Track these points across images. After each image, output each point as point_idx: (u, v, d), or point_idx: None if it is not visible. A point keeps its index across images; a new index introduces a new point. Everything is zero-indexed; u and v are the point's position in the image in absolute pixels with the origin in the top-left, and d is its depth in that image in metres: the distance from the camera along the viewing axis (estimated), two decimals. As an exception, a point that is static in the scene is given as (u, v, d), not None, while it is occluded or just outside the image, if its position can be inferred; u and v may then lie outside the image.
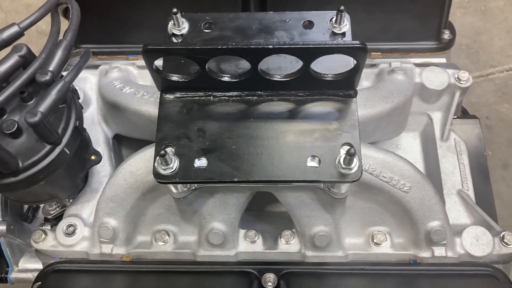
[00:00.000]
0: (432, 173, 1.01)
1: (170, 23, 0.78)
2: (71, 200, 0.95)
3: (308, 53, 0.66)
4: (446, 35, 1.05)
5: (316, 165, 0.70)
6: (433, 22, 1.01)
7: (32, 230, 1.00)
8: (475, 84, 2.07)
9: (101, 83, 0.99)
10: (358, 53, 0.65)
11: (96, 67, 1.04)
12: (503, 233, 0.88)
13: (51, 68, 0.75)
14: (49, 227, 0.96)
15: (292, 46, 0.65)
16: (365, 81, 1.01)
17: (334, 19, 0.76)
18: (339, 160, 0.69)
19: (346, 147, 0.69)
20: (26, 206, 1.08)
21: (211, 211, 0.86)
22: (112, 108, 0.95)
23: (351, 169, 0.68)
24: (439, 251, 0.86)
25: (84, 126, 0.91)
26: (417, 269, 0.85)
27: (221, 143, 0.71)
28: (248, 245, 0.89)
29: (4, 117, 0.76)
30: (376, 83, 0.97)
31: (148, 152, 0.86)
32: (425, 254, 0.87)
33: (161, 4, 0.89)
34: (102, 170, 0.97)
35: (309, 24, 0.77)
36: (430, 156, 1.04)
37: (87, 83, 1.02)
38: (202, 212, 0.86)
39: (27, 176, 0.75)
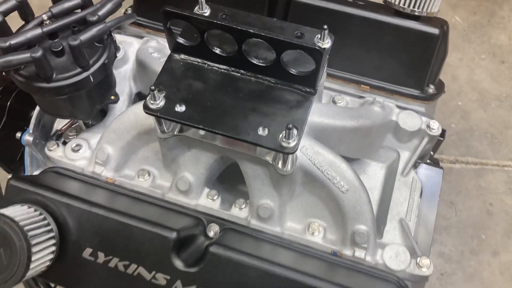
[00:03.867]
0: (385, 199, 1.15)
1: (196, 7, 0.99)
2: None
3: (278, 44, 0.85)
4: (431, 89, 1.20)
5: (265, 134, 0.87)
6: (419, 74, 1.17)
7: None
8: (488, 171, 2.16)
9: (140, 48, 1.23)
10: (315, 54, 0.83)
11: (141, 37, 1.28)
12: (420, 257, 1.00)
13: (100, 13, 0.99)
14: None
15: (267, 35, 0.84)
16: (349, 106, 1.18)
17: (319, 36, 0.95)
18: (282, 135, 0.86)
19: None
20: (52, 131, 1.32)
21: (185, 162, 1.04)
22: (140, 67, 1.18)
23: (289, 143, 0.85)
24: (359, 253, 1.00)
25: (117, 79, 1.14)
26: (335, 259, 0.99)
27: (200, 98, 0.91)
28: (207, 202, 1.06)
29: (56, 40, 1.00)
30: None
31: (152, 102, 1.07)
32: (347, 252, 1.00)
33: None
34: (119, 113, 1.19)
35: (300, 36, 0.95)
36: (388, 186, 1.18)
37: (131, 47, 1.26)
38: (178, 161, 1.05)
39: (56, 86, 0.97)
